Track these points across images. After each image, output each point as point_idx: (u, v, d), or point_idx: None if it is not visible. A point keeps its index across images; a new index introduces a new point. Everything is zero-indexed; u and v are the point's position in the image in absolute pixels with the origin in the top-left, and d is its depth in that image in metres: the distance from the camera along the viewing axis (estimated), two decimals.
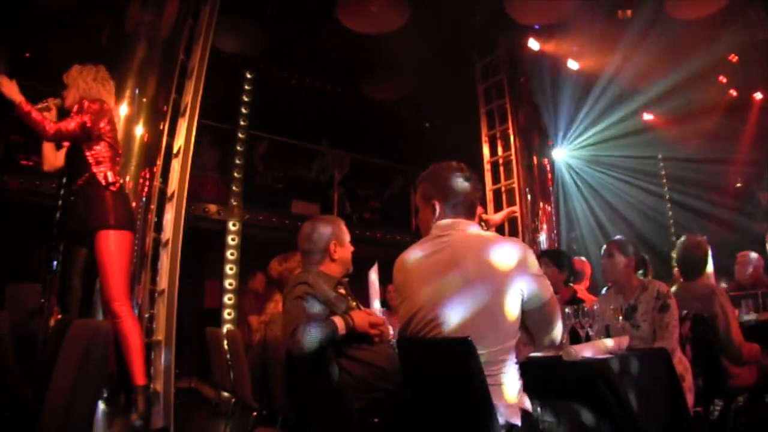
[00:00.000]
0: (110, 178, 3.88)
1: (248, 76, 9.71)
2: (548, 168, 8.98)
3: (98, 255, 3.77)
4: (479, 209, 5.17)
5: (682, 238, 4.34)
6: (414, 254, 2.49)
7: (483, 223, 5.33)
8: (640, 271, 3.84)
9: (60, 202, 4.40)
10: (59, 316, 4.05)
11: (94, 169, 3.87)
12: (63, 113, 4.01)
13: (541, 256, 4.84)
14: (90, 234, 3.81)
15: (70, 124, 3.79)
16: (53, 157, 4.17)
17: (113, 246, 3.78)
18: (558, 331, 2.45)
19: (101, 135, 3.91)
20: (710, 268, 4.90)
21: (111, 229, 3.80)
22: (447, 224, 2.45)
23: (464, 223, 2.45)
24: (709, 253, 4.39)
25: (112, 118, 4.04)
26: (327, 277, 3.12)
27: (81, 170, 3.89)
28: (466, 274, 2.28)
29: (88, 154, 3.88)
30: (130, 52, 4.94)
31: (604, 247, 3.81)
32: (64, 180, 4.21)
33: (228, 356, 5.18)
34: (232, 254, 9.01)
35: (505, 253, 2.29)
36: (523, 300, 2.28)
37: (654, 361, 2.82)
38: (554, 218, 8.79)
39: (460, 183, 2.49)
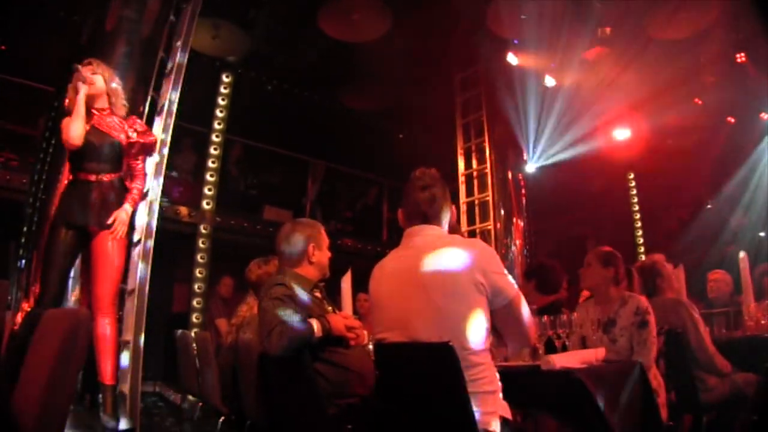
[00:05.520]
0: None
1: (226, 79, 9.59)
2: (522, 183, 9.02)
3: (103, 254, 3.70)
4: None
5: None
6: (386, 262, 2.55)
7: None
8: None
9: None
10: (28, 309, 3.96)
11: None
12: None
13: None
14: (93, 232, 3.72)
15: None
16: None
17: (118, 248, 3.76)
18: (528, 331, 2.42)
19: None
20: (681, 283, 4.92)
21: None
22: (411, 231, 2.50)
23: (427, 228, 2.47)
24: (667, 268, 4.41)
25: None
26: (304, 279, 3.08)
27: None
28: (424, 280, 2.29)
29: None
30: (110, 49, 4.84)
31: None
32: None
33: (197, 360, 5.08)
34: (202, 258, 8.86)
35: (461, 255, 2.29)
36: (488, 300, 2.26)
37: (630, 374, 2.81)
38: (527, 234, 8.82)
39: (415, 192, 2.51)
